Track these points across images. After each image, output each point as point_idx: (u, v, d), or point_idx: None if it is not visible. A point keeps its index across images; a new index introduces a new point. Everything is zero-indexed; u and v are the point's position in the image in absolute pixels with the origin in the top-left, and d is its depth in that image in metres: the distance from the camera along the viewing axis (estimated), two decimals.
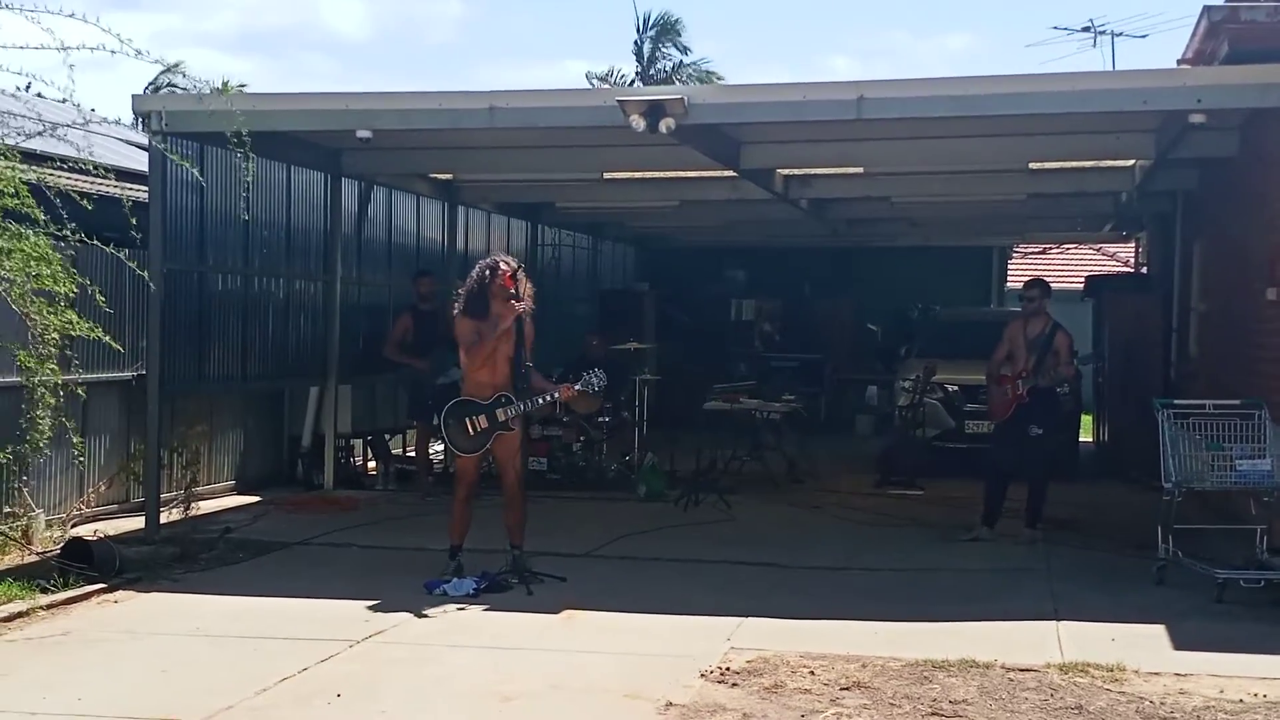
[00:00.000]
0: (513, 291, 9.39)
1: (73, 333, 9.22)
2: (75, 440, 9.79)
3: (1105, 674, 7.22)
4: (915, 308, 21.62)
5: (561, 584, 9.44)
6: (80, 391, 9.82)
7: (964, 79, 10.62)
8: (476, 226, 18.23)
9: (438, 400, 14.08)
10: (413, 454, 15.00)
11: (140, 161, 12.56)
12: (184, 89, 27.18)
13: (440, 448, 15.80)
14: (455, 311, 9.67)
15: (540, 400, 9.67)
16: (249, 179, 10.70)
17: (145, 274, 10.37)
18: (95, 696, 6.77)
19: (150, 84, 33.19)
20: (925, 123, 11.38)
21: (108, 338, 9.66)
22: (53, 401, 9.32)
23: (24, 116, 9.39)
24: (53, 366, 9.21)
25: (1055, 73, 10.59)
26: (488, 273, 9.45)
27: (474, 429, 9.47)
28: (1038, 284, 12.04)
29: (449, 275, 16.58)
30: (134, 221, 9.68)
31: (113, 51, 8.95)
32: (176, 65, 34.18)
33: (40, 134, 9.52)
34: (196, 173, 11.72)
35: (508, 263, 9.55)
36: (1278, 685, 7.03)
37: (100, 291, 9.53)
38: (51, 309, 9.00)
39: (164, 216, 11.50)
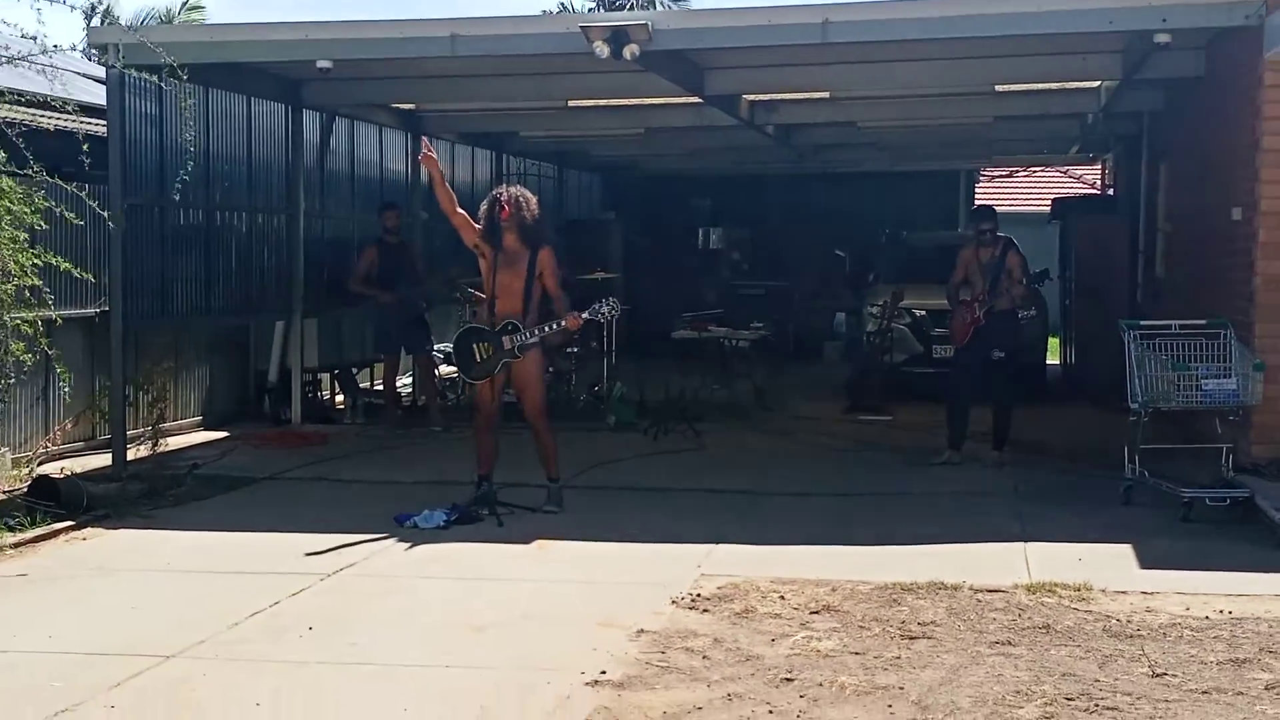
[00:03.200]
0: (505, 222, 9.34)
1: (39, 262, 9.12)
2: (62, 372, 9.73)
3: (1072, 593, 7.28)
4: (883, 233, 21.62)
5: (532, 515, 9.45)
6: (42, 330, 9.74)
7: (930, 2, 10.55)
8: (441, 157, 17.95)
9: (402, 334, 14.10)
10: (380, 388, 14.95)
11: (95, 94, 12.34)
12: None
13: (408, 380, 15.79)
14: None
15: (548, 329, 9.53)
16: (188, 105, 10.58)
17: (106, 214, 10.26)
18: (66, 634, 6.75)
19: (85, 9, 32.40)
20: (891, 46, 11.33)
21: (79, 271, 9.59)
22: (22, 348, 9.26)
23: None
24: (23, 315, 9.14)
25: None
26: (492, 208, 9.42)
27: (480, 356, 9.45)
28: (989, 215, 12.01)
29: (413, 207, 16.48)
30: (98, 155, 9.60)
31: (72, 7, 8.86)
32: None
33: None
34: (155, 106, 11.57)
35: (506, 193, 9.49)
36: (1242, 602, 7.11)
37: (67, 209, 9.38)
38: (18, 248, 8.91)
39: (123, 151, 11.34)
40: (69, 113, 9.65)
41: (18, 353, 9.27)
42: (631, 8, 36.98)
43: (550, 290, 9.54)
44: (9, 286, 9.06)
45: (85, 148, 9.53)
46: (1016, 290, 11.68)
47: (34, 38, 9.13)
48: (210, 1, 45.49)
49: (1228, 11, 9.90)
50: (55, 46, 9.21)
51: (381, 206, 14.55)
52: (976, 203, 24.53)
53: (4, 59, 9.44)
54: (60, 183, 9.30)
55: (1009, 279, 11.54)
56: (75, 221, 9.72)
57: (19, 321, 9.29)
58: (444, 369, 15.69)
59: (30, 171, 9.05)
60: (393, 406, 14.32)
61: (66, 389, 9.98)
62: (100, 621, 7.03)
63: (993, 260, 11.62)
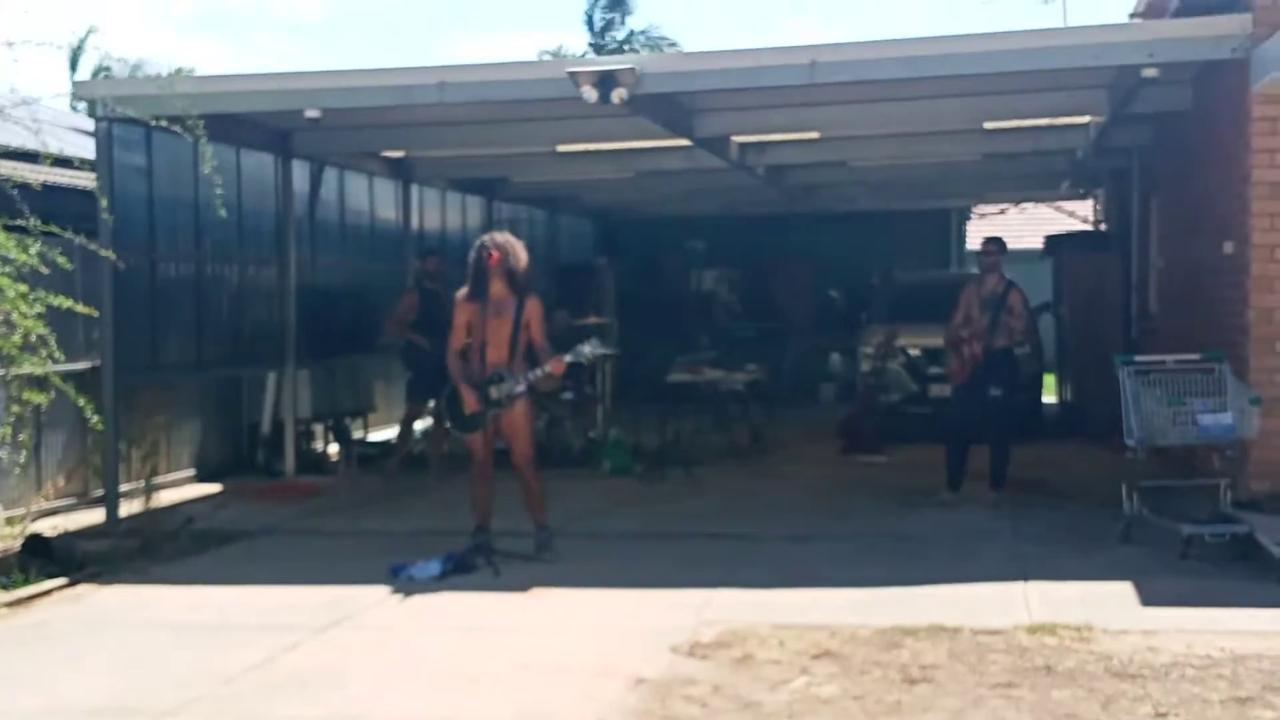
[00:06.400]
0: (493, 268, 9.31)
1: (42, 309, 9.03)
2: (94, 420, 9.57)
3: (1073, 634, 7.22)
4: (876, 273, 21.60)
5: (528, 563, 9.37)
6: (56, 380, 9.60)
7: (916, 40, 10.59)
8: (431, 204, 18.07)
9: (432, 383, 13.90)
10: (373, 439, 14.78)
11: (83, 147, 12.34)
12: (112, 64, 26.72)
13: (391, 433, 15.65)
14: (459, 296, 9.57)
15: (532, 375, 9.49)
16: (208, 167, 10.52)
17: (112, 254, 10.17)
18: (62, 692, 6.68)
19: (72, 54, 32.51)
20: (879, 85, 11.33)
21: (80, 306, 9.51)
22: (36, 392, 9.17)
23: None
24: (32, 359, 9.04)
25: (1007, 31, 10.54)
26: (480, 253, 9.38)
27: (469, 408, 9.41)
28: (996, 240, 11.99)
29: (405, 255, 16.47)
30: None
31: (58, 47, 8.83)
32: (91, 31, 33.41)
33: None
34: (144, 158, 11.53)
35: (493, 240, 9.47)
36: (1245, 639, 7.05)
37: (61, 253, 9.28)
38: (19, 298, 8.82)
39: (112, 203, 11.30)
40: (73, 167, 9.56)
41: (33, 398, 9.18)
42: (623, 51, 37.14)
43: (535, 340, 9.50)
44: (15, 338, 8.96)
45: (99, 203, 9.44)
46: (1017, 325, 11.61)
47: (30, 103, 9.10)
48: (212, 61, 45.95)
49: (1214, 45, 9.92)
50: (34, 101, 9.18)
51: (422, 253, 14.38)
52: (973, 240, 24.57)
53: None
54: (58, 231, 9.23)
55: (1011, 316, 11.50)
56: (67, 267, 9.59)
57: (31, 369, 9.18)
58: None
59: (25, 223, 8.99)
60: (403, 454, 14.11)
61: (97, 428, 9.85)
62: (95, 679, 6.95)
63: (994, 295, 11.57)
